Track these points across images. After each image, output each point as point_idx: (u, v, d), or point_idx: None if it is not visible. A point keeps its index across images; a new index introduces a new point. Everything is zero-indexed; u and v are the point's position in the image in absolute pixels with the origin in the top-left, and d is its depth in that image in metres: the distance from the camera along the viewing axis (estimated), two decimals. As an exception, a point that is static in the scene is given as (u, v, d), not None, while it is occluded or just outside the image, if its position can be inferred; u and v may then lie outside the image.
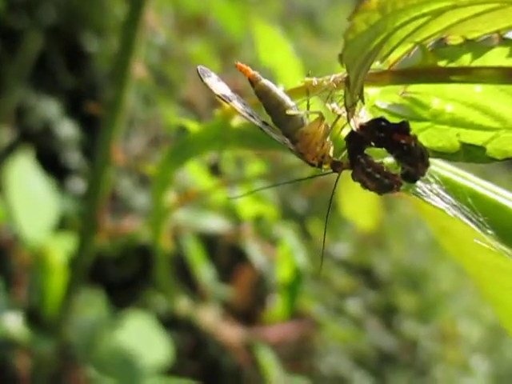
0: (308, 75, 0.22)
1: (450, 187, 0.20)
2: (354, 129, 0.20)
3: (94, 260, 0.56)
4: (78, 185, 1.06)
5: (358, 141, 0.20)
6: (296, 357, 1.19)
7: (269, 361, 0.82)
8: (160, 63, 1.22)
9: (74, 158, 1.10)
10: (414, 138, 0.18)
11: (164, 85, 1.23)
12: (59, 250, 0.59)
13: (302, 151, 0.22)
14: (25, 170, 0.68)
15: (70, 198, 0.93)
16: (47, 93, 1.12)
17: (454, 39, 0.18)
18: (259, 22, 0.36)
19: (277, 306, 0.64)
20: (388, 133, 0.19)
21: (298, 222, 1.11)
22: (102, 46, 1.16)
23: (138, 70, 0.42)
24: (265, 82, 0.23)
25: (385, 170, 0.19)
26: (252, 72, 0.23)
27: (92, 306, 0.72)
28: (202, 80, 0.23)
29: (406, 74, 0.19)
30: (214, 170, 0.54)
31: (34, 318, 0.59)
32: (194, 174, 0.47)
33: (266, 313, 0.80)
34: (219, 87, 0.24)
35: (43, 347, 0.56)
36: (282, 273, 0.59)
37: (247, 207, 0.53)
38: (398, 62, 0.19)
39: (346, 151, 0.21)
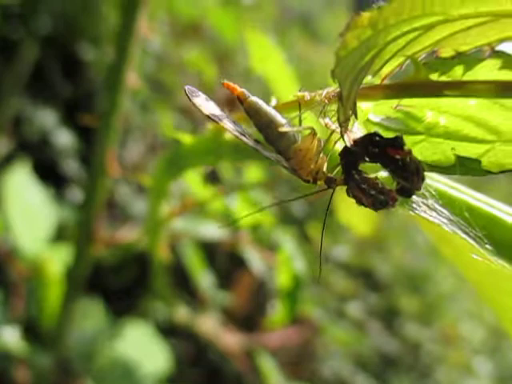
0: (300, 90, 0.22)
1: (447, 201, 0.20)
2: (348, 144, 0.20)
3: (92, 269, 0.56)
4: (75, 194, 1.06)
5: (351, 156, 0.20)
6: (297, 361, 1.18)
7: (269, 367, 0.81)
8: (156, 70, 1.22)
9: (71, 167, 1.10)
10: (409, 152, 0.18)
11: (160, 92, 1.23)
12: (56, 260, 0.59)
13: (296, 168, 0.22)
14: (22, 181, 0.68)
15: (68, 207, 0.93)
16: (44, 102, 1.12)
17: (446, 52, 0.18)
18: (252, 31, 0.36)
19: (277, 312, 0.64)
20: (382, 148, 0.19)
21: (298, 226, 1.11)
22: (97, 55, 1.16)
23: (132, 78, 0.42)
24: (254, 99, 0.23)
25: (380, 185, 0.19)
26: (240, 89, 0.23)
27: (90, 315, 0.71)
28: (189, 100, 0.23)
29: (398, 88, 0.19)
30: (212, 175, 0.54)
31: (32, 329, 0.58)
32: (191, 183, 0.47)
33: (266, 319, 0.80)
34: (208, 107, 0.23)
35: (42, 359, 0.56)
36: (282, 279, 0.59)
37: (245, 215, 0.53)
38: (390, 76, 0.19)
39: (339, 167, 0.21)
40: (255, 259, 0.71)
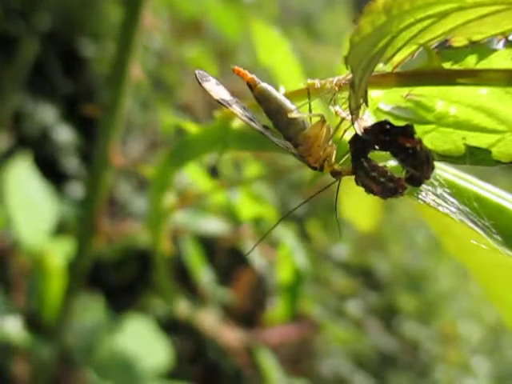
0: (310, 78, 0.21)
1: (455, 191, 0.20)
2: (359, 132, 0.20)
3: (93, 264, 0.56)
4: (76, 190, 1.05)
5: (362, 144, 0.20)
6: (296, 359, 1.18)
7: (269, 363, 0.81)
8: (157, 68, 1.22)
9: (72, 162, 1.10)
10: (419, 141, 0.18)
11: (161, 89, 1.23)
12: (57, 254, 0.58)
13: (304, 154, 0.22)
14: (23, 176, 0.68)
15: (70, 203, 0.93)
16: (44, 98, 1.12)
17: (459, 41, 0.18)
18: (258, 22, 0.36)
19: (277, 307, 0.64)
20: (393, 136, 0.19)
21: (298, 223, 1.11)
22: (98, 51, 1.16)
23: (136, 71, 0.41)
24: (264, 85, 0.23)
25: (389, 173, 0.19)
26: (250, 76, 0.23)
27: (91, 310, 0.71)
28: (200, 84, 0.23)
29: (411, 76, 0.19)
30: (212, 172, 0.54)
31: (33, 322, 0.58)
32: (193, 175, 0.47)
33: (266, 315, 0.80)
34: (218, 91, 0.23)
35: (42, 352, 0.56)
36: (283, 274, 0.59)
37: (246, 209, 0.53)
38: (402, 64, 0.19)
39: (348, 155, 0.21)
40: (256, 255, 0.71)
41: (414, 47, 0.19)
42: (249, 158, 0.58)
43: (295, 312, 0.64)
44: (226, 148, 0.27)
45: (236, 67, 0.23)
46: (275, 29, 0.37)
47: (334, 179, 0.23)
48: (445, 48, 0.18)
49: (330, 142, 0.22)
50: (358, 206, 0.48)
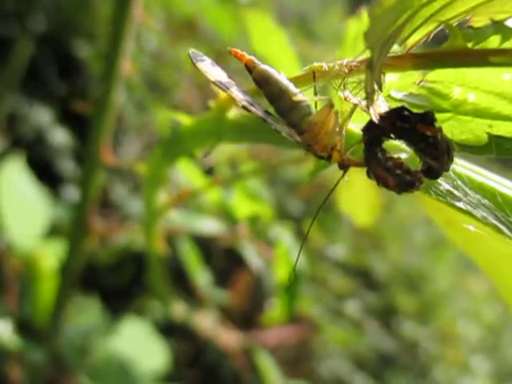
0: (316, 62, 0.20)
1: (476, 186, 0.19)
2: (374, 118, 0.18)
3: (89, 267, 0.55)
4: (71, 192, 1.05)
5: (376, 132, 0.18)
6: (295, 360, 1.17)
7: (268, 365, 0.81)
8: (152, 68, 1.21)
9: (67, 165, 1.09)
10: (440, 129, 0.17)
11: (156, 90, 1.22)
12: (50, 256, 0.58)
13: (310, 142, 0.20)
14: (15, 178, 0.67)
15: (64, 205, 0.92)
16: (39, 100, 1.11)
17: (479, 21, 0.17)
18: (252, 12, 0.35)
19: (275, 307, 0.63)
20: (412, 123, 0.17)
21: (294, 224, 1.10)
22: (93, 53, 1.15)
23: (126, 67, 0.41)
24: (264, 67, 0.21)
25: (404, 165, 0.18)
26: (248, 57, 0.21)
27: (87, 313, 0.70)
28: (193, 65, 0.21)
29: (431, 58, 0.17)
30: (207, 168, 0.53)
31: (25, 325, 0.57)
32: (187, 172, 0.46)
33: (264, 316, 0.79)
34: (214, 73, 0.21)
35: (35, 354, 0.55)
36: (280, 273, 0.58)
37: (243, 207, 0.52)
38: (416, 46, 0.18)
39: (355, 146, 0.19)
40: (253, 254, 0.70)
41: (431, 26, 0.17)
42: (244, 155, 0.57)
43: (293, 313, 0.63)
44: (221, 140, 0.26)
45: (233, 49, 0.21)
46: (270, 19, 0.36)
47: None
48: (464, 29, 0.17)
49: (339, 129, 0.20)
50: (357, 201, 0.48)
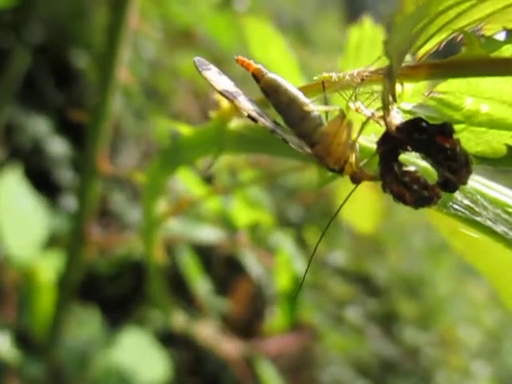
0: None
1: (493, 200, 0.18)
2: (390, 130, 0.17)
3: (88, 278, 0.54)
4: (70, 202, 1.04)
5: (392, 144, 0.17)
6: (297, 368, 1.16)
7: (269, 374, 0.80)
8: (150, 76, 1.21)
9: (65, 175, 1.09)
10: (458, 141, 0.16)
11: (155, 98, 1.22)
12: (48, 267, 0.57)
13: (322, 154, 0.19)
14: (13, 189, 0.67)
15: (62, 215, 0.92)
16: (36, 110, 1.11)
17: (492, 29, 0.16)
18: (251, 19, 0.34)
19: (276, 316, 0.62)
20: (430, 135, 0.16)
21: (294, 230, 1.10)
22: (89, 62, 1.15)
23: (123, 74, 0.40)
24: (272, 76, 0.20)
25: (421, 179, 0.17)
26: (255, 65, 0.20)
27: (86, 324, 0.70)
28: (199, 73, 0.20)
29: (448, 67, 0.16)
30: (206, 177, 0.52)
31: (24, 338, 0.57)
32: (186, 181, 0.46)
33: (265, 324, 0.79)
34: (221, 82, 0.20)
35: (33, 367, 0.54)
36: (281, 281, 0.57)
37: (242, 215, 0.51)
38: (427, 56, 0.17)
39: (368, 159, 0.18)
40: (253, 262, 0.70)
41: (444, 35, 0.17)
42: (244, 164, 0.57)
43: (294, 321, 0.63)
44: (222, 151, 0.25)
45: (239, 57, 0.20)
46: (269, 26, 0.35)
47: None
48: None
49: (352, 141, 0.19)
50: (358, 207, 0.47)
